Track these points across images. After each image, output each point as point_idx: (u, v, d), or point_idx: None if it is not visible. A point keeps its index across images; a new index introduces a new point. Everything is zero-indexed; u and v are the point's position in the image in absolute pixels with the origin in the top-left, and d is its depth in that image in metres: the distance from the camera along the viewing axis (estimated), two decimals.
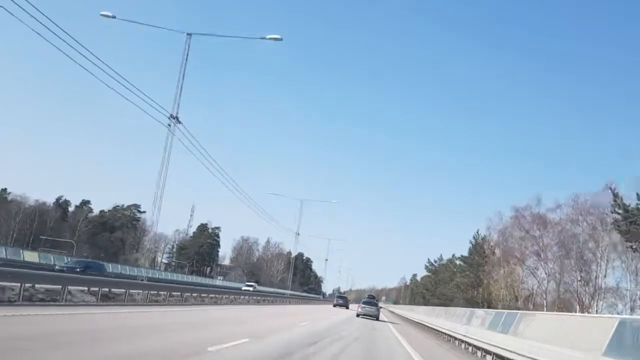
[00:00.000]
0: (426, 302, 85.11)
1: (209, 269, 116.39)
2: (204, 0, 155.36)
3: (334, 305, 60.14)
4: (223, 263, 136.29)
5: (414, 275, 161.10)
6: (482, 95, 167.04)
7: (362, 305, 39.52)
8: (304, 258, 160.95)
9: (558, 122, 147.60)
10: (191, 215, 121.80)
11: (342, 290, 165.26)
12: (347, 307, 58.96)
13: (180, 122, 30.50)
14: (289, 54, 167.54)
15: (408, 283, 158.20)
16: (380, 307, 49.25)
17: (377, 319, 37.37)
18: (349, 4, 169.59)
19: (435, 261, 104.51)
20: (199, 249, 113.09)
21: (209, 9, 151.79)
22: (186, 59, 31.80)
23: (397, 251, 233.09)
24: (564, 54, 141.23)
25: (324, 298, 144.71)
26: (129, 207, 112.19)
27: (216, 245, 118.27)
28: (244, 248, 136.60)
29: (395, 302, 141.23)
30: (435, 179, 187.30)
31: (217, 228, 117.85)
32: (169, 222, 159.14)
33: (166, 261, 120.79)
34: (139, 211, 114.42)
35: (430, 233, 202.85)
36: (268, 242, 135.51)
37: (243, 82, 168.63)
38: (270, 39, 31.15)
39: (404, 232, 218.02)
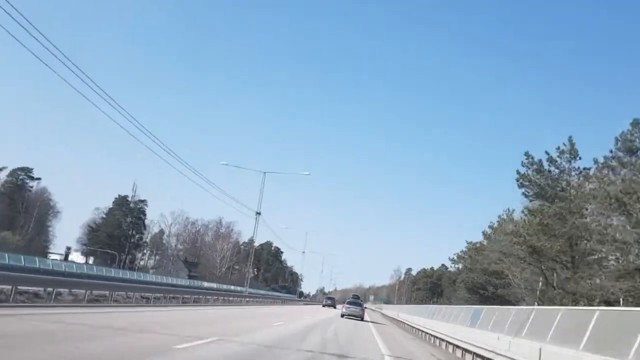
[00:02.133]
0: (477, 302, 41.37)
1: (129, 257, 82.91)
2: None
3: (323, 305, 68.55)
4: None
5: (409, 270, 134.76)
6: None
7: (347, 306, 40.48)
8: (273, 248, 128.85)
9: None
10: (133, 195, 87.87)
11: (326, 290, 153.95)
12: (335, 307, 64.10)
13: None
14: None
15: (402, 278, 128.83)
16: (365, 308, 50.61)
17: (362, 319, 38.57)
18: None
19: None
20: (114, 231, 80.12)
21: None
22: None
23: (385, 246, 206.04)
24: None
25: (300, 298, 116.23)
26: (13, 171, 79.28)
27: (140, 225, 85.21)
28: (191, 232, 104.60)
29: (388, 302, 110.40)
30: (429, 166, 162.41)
31: (143, 201, 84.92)
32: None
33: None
34: (30, 177, 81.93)
35: (423, 226, 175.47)
36: (220, 222, 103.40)
37: None
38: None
39: (393, 225, 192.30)
